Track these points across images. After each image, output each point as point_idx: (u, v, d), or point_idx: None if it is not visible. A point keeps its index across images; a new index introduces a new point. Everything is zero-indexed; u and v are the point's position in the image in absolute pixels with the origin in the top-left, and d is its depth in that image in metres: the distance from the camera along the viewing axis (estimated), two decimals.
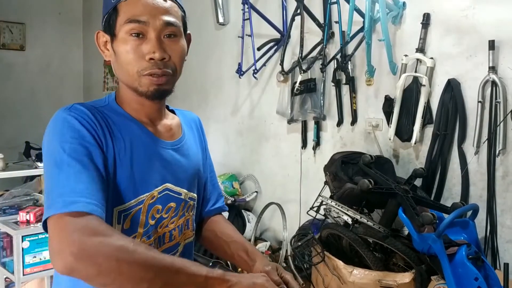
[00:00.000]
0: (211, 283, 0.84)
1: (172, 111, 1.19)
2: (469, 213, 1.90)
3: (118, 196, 0.98)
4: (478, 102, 2.07)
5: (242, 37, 3.13)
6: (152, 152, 1.04)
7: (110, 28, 1.00)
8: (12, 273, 2.45)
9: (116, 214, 0.98)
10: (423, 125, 2.27)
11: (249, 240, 2.92)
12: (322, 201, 2.24)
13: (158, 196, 1.04)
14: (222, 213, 1.32)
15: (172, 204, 1.08)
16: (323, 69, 2.62)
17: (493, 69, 2.03)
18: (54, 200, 0.85)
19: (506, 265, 1.76)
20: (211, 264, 1.13)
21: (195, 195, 1.17)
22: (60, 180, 0.87)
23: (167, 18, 0.98)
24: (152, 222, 1.03)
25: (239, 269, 1.18)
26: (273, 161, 3.19)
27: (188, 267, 0.84)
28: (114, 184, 0.97)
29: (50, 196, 0.86)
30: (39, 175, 2.88)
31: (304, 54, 2.67)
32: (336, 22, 2.59)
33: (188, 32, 1.08)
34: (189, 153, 1.14)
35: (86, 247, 0.78)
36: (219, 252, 1.22)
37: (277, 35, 3.01)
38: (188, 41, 1.08)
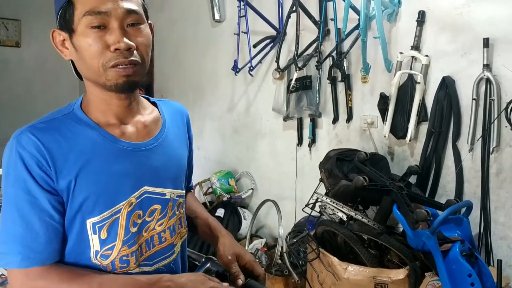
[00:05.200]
0: None
1: (154, 103, 1.14)
2: (463, 210, 1.91)
3: (89, 210, 0.96)
4: (473, 99, 2.08)
5: (238, 34, 3.13)
6: (120, 159, 0.99)
7: (66, 23, 0.94)
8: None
9: (90, 226, 0.96)
10: (418, 123, 2.27)
11: (245, 237, 2.93)
12: (317, 198, 2.24)
13: (137, 201, 1.00)
14: (191, 190, 1.35)
15: (157, 206, 1.04)
16: (318, 66, 2.62)
17: (487, 66, 2.03)
18: None
19: (499, 262, 1.77)
20: (203, 260, 1.14)
21: (183, 191, 1.14)
22: (3, 230, 0.93)
23: (128, 5, 0.93)
24: (134, 229, 1.00)
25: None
26: (269, 158, 3.19)
27: None
28: (82, 201, 0.95)
29: None
30: None
31: (299, 51, 2.67)
32: (331, 19, 2.59)
33: (149, 21, 1.02)
34: (170, 150, 1.09)
35: None
36: None
37: (273, 32, 3.01)
38: (151, 31, 1.01)
